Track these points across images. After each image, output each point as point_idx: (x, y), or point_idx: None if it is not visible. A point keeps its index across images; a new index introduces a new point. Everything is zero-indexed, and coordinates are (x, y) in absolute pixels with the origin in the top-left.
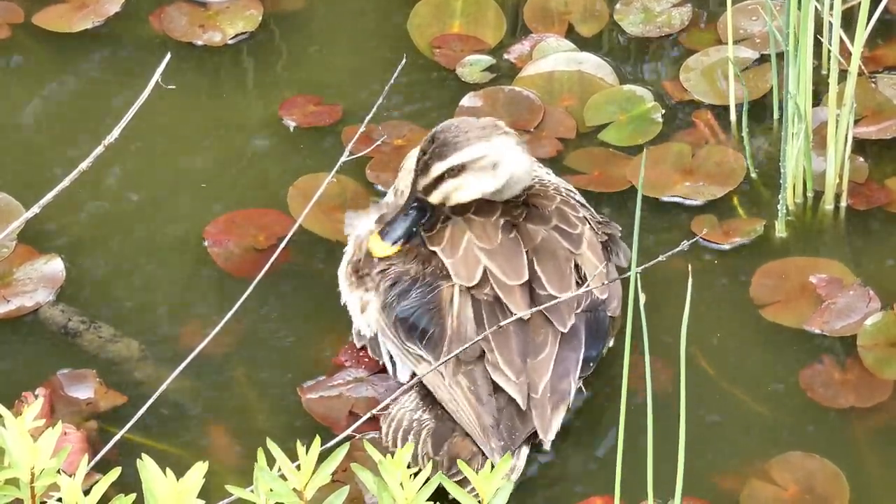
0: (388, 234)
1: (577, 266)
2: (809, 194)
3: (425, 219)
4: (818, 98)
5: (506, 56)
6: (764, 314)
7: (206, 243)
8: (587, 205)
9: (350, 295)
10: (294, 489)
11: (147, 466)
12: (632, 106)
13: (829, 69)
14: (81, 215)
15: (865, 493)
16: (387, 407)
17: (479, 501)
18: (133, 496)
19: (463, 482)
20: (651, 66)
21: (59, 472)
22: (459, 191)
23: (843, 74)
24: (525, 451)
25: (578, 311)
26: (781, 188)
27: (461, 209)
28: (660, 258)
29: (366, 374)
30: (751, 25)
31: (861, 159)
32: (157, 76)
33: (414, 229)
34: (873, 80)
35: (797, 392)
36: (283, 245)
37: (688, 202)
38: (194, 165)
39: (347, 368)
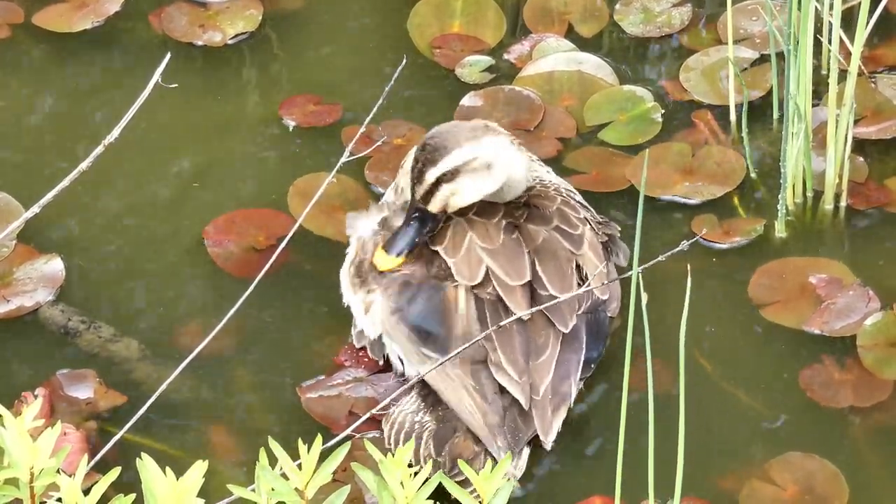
0: (392, 247)
1: (578, 267)
2: (809, 194)
3: (427, 228)
4: (818, 98)
5: (506, 56)
6: (763, 314)
7: (205, 243)
8: (587, 205)
9: (353, 296)
10: (296, 488)
11: (147, 466)
12: (632, 106)
13: (828, 69)
14: (81, 215)
15: (865, 493)
16: (386, 407)
17: (479, 502)
18: (133, 496)
19: (465, 483)
20: (651, 66)
21: (58, 471)
22: (457, 195)
23: (842, 74)
24: (526, 451)
25: (580, 311)
26: (781, 188)
27: (463, 210)
28: (659, 258)
29: (365, 373)
30: (751, 25)
31: (861, 159)
32: (156, 76)
33: (417, 240)
34: (873, 80)
35: (797, 392)
36: (282, 245)
37: (687, 202)
38: (194, 165)
39: (347, 368)
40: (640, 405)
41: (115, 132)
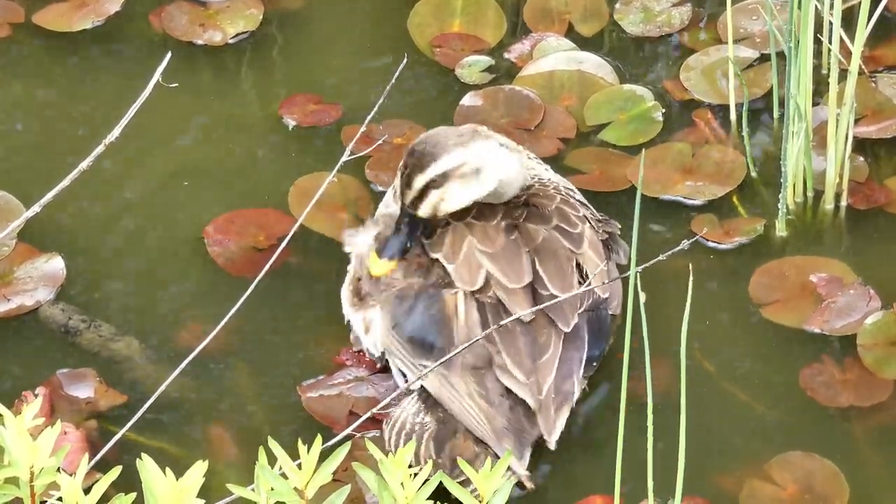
0: (384, 252)
1: (578, 265)
2: (810, 193)
3: (418, 232)
4: (818, 97)
5: (506, 55)
6: (764, 313)
7: (206, 243)
8: (587, 203)
9: (353, 315)
10: (295, 488)
11: (147, 466)
12: (632, 105)
13: (829, 68)
14: (82, 214)
15: (865, 492)
16: (387, 407)
17: (479, 501)
18: (133, 495)
19: (465, 484)
20: (651, 65)
21: (58, 471)
22: (445, 201)
23: (843, 74)
24: (528, 451)
25: (581, 310)
26: (782, 187)
27: (461, 214)
28: (660, 257)
29: (366, 373)
30: (751, 25)
31: (861, 159)
32: (157, 75)
33: (408, 244)
34: (873, 79)
35: (797, 391)
36: (283, 245)
37: (688, 201)
38: (194, 165)
39: (348, 367)
40: (641, 404)
41: (116, 131)
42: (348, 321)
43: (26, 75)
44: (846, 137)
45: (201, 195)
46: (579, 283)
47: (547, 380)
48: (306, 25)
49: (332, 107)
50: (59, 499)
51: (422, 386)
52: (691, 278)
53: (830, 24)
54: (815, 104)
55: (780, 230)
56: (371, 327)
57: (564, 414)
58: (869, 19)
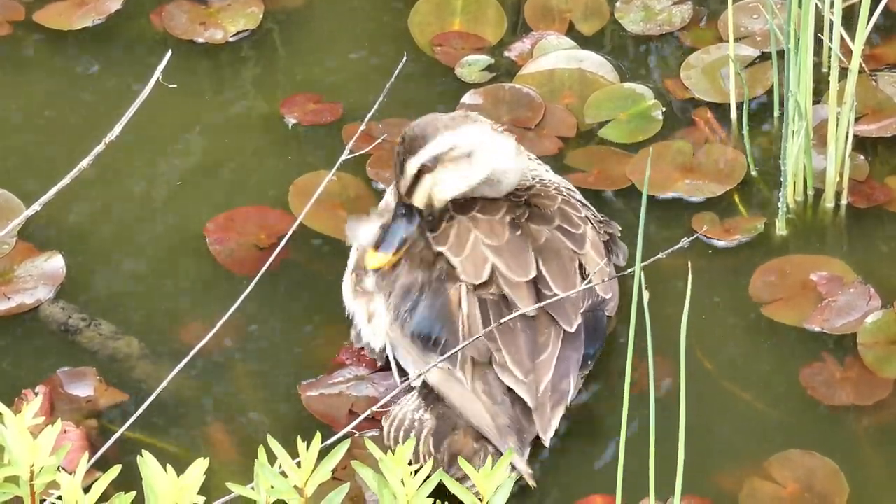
0: (381, 244)
1: (580, 266)
2: (810, 192)
3: (415, 223)
4: (819, 96)
5: (506, 54)
6: (764, 312)
7: (206, 241)
8: (588, 204)
9: (355, 304)
10: (295, 486)
11: (147, 464)
12: (632, 104)
13: (829, 67)
14: (82, 213)
15: (865, 490)
16: (387, 405)
17: (479, 499)
18: (133, 494)
19: (463, 480)
20: (652, 64)
21: (58, 469)
22: (439, 186)
23: (843, 72)
24: (527, 450)
25: (582, 310)
26: (782, 186)
27: (465, 209)
28: (660, 255)
29: (366, 372)
30: (751, 23)
31: (861, 157)
32: (157, 74)
33: (405, 236)
34: (874, 77)
35: (797, 390)
36: (283, 243)
37: (688, 200)
38: (195, 163)
39: (348, 366)
40: (641, 403)
41: (116, 130)
42: (350, 313)
43: (27, 73)
44: (846, 136)
45: (202, 193)
46: (581, 283)
47: (544, 379)
48: (307, 24)
49: (332, 105)
50: (59, 497)
51: (423, 382)
52: (691, 277)
53: (831, 22)
54: (815, 102)
55: (781, 229)
56: (374, 318)
57: (559, 413)
58: (869, 18)
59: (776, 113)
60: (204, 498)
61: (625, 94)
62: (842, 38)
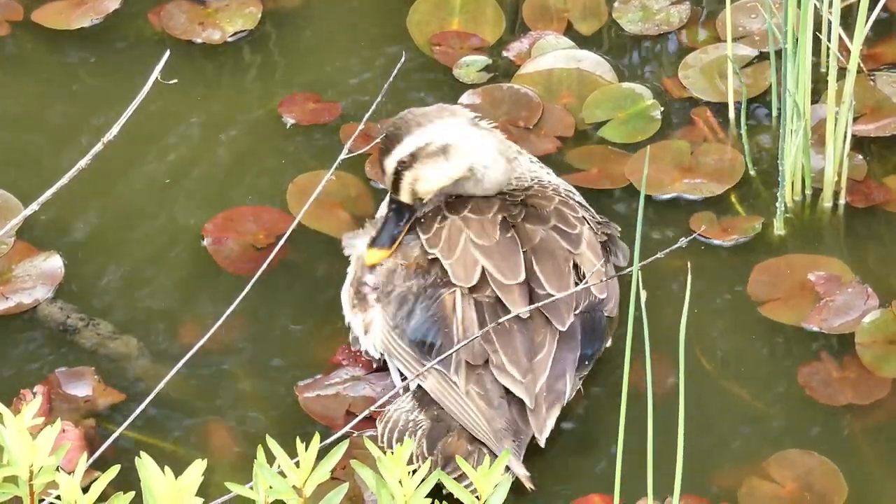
0: (376, 240)
1: (576, 266)
2: (808, 192)
3: (406, 218)
4: (817, 95)
5: (505, 53)
6: (762, 311)
7: (204, 241)
8: (587, 205)
9: (353, 317)
10: (293, 486)
11: (145, 464)
12: (631, 103)
13: (827, 67)
14: (80, 212)
15: (863, 490)
16: (383, 406)
17: (477, 498)
18: (132, 494)
19: (459, 480)
20: (650, 63)
21: (57, 469)
22: (420, 181)
23: (842, 72)
24: (523, 451)
25: (577, 311)
26: (780, 186)
27: (457, 208)
28: (658, 255)
29: (363, 372)
30: (750, 23)
31: (860, 157)
32: (155, 73)
33: (397, 231)
34: (872, 77)
35: (795, 389)
36: (281, 242)
37: (686, 199)
38: (193, 163)
39: (345, 367)
40: (640, 403)
41: (115, 130)
42: (348, 323)
43: (25, 73)
44: (845, 135)
45: (200, 193)
46: (576, 283)
47: (540, 379)
48: (305, 24)
49: (330, 105)
50: (58, 497)
51: (418, 384)
52: (689, 276)
53: (829, 22)
54: (813, 102)
55: (779, 228)
56: (371, 329)
57: (555, 413)
58: (868, 17)
59: (774, 112)
60: (202, 499)
61: (623, 93)
62: (840, 38)
